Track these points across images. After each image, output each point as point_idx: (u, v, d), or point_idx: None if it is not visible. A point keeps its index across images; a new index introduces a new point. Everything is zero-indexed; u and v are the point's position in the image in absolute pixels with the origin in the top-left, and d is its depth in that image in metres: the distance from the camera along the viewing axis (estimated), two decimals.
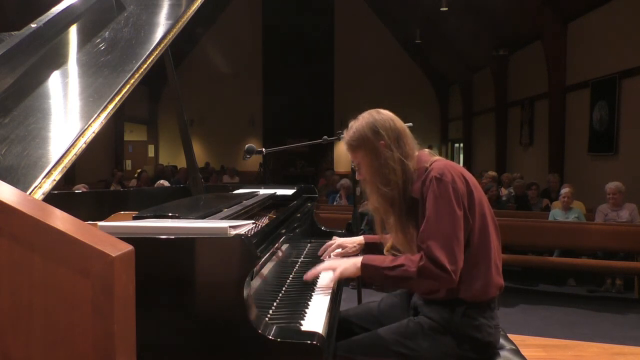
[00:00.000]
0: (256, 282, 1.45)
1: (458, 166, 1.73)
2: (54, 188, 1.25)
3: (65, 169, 1.27)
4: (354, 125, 1.79)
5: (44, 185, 1.20)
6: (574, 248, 5.58)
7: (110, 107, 1.46)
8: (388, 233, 1.85)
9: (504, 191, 7.99)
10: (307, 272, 1.75)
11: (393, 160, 1.71)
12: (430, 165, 1.70)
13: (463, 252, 1.60)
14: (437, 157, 1.77)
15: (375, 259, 1.70)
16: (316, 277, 1.80)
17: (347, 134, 1.81)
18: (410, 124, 1.98)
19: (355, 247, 2.12)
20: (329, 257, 2.17)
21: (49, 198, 1.18)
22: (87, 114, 1.42)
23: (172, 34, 1.84)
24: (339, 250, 2.12)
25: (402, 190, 1.72)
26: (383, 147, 1.73)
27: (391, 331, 1.70)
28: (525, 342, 3.63)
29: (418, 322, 1.69)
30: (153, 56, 1.70)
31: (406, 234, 1.75)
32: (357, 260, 1.70)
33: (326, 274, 1.83)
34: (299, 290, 1.72)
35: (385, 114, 1.80)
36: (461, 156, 16.50)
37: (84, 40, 1.85)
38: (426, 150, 1.82)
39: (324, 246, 2.15)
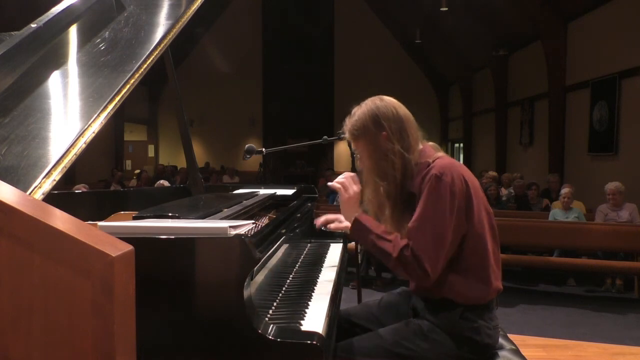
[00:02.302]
0: (256, 282, 1.45)
1: (461, 167, 1.69)
2: (54, 188, 1.24)
3: (65, 169, 1.27)
4: (357, 113, 1.75)
5: (44, 185, 1.20)
6: (574, 248, 5.58)
7: (110, 107, 1.46)
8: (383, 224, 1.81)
9: (504, 191, 7.99)
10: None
11: (393, 153, 1.67)
12: (433, 162, 1.66)
13: (446, 255, 1.59)
14: (442, 154, 1.73)
15: (370, 220, 1.71)
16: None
17: (349, 122, 1.76)
18: None
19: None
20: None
21: (49, 198, 1.18)
22: (87, 114, 1.42)
23: (172, 34, 1.84)
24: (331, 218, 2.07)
25: (399, 185, 1.69)
26: (384, 138, 1.68)
27: (391, 332, 1.69)
28: (525, 342, 3.63)
29: (418, 324, 1.68)
30: (153, 56, 1.70)
31: (400, 228, 1.71)
32: (357, 213, 1.73)
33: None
34: (299, 290, 1.72)
35: (389, 101, 1.75)
36: (461, 156, 16.49)
37: (84, 40, 1.85)
38: (430, 144, 1.77)
39: (323, 218, 2.08)
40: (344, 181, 1.79)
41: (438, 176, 1.59)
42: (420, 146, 1.73)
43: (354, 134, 1.75)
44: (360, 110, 1.75)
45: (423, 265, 1.55)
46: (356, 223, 1.70)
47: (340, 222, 1.96)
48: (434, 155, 1.70)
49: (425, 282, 1.59)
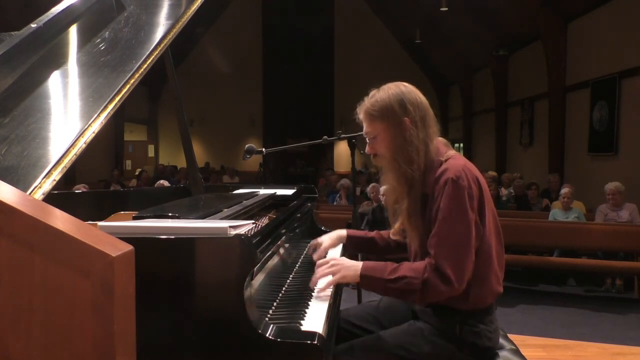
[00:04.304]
0: (256, 282, 1.45)
1: (473, 168, 1.64)
2: (54, 188, 1.24)
3: (65, 169, 1.27)
4: (377, 95, 1.66)
5: (44, 185, 1.20)
6: (574, 248, 5.58)
7: (110, 107, 1.46)
8: (397, 216, 1.75)
9: (504, 191, 7.99)
10: (312, 279, 1.67)
11: (417, 139, 1.60)
12: (445, 161, 1.61)
13: (472, 261, 1.54)
14: (453, 152, 1.67)
15: (375, 269, 1.61)
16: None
17: (367, 101, 1.67)
18: None
19: (332, 243, 1.99)
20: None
21: (49, 198, 1.18)
22: (87, 114, 1.42)
23: (172, 34, 1.84)
24: (322, 249, 1.97)
25: (422, 174, 1.62)
26: (408, 123, 1.61)
27: (392, 334, 1.69)
28: (525, 342, 3.63)
29: (419, 327, 1.67)
30: (153, 56, 1.70)
31: (414, 223, 1.65)
32: (358, 267, 1.62)
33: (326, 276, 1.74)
34: (299, 290, 1.72)
35: (412, 88, 1.68)
36: None
37: (84, 40, 1.85)
38: (441, 139, 1.71)
39: (315, 251, 2.00)
40: (327, 271, 1.66)
41: (454, 180, 1.54)
42: (435, 140, 1.67)
43: (372, 114, 1.66)
44: (382, 93, 1.66)
45: (449, 278, 1.50)
46: (364, 279, 1.62)
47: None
48: (446, 153, 1.65)
49: (454, 294, 1.54)
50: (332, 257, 1.72)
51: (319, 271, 1.68)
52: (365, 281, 1.63)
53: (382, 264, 1.63)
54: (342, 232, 2.04)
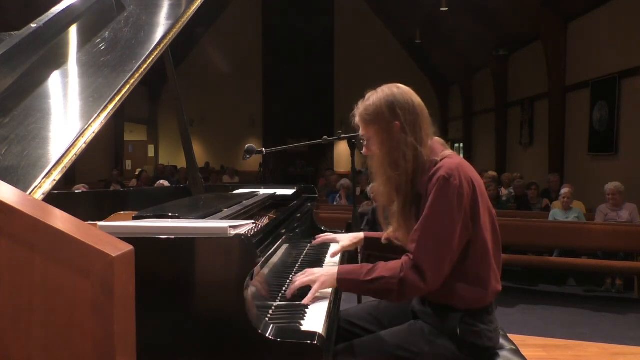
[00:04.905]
0: (256, 282, 1.45)
1: (469, 168, 1.64)
2: (54, 188, 1.25)
3: (65, 169, 1.27)
4: (371, 98, 1.69)
5: (44, 185, 1.20)
6: (574, 248, 5.59)
7: (110, 107, 1.46)
8: (389, 219, 1.77)
9: (504, 191, 7.99)
10: (288, 289, 1.65)
11: (405, 144, 1.62)
12: (440, 160, 1.61)
13: (451, 261, 1.55)
14: (449, 152, 1.68)
15: (351, 271, 1.62)
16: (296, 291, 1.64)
17: (362, 105, 1.70)
18: None
19: (351, 244, 2.03)
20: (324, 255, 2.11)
21: (49, 198, 1.18)
22: (87, 114, 1.42)
23: (172, 34, 1.84)
24: (337, 247, 2.04)
25: (410, 178, 1.63)
26: (397, 128, 1.63)
27: (392, 334, 1.68)
28: (525, 342, 3.63)
29: (420, 327, 1.67)
30: (153, 56, 1.70)
31: (407, 225, 1.66)
32: (334, 272, 1.63)
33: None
34: (299, 290, 1.72)
35: (406, 90, 1.70)
36: (461, 156, 16.47)
37: (84, 40, 1.85)
38: (437, 139, 1.72)
39: (321, 238, 2.08)
40: (305, 280, 1.65)
41: (446, 178, 1.54)
42: (430, 142, 1.68)
43: (365, 119, 1.69)
44: (375, 96, 1.69)
45: (425, 274, 1.51)
46: (342, 282, 1.62)
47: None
48: (442, 153, 1.66)
49: (430, 290, 1.56)
50: (307, 270, 1.72)
51: (296, 281, 1.67)
52: (343, 284, 1.64)
53: (357, 266, 1.65)
54: (360, 234, 2.07)
